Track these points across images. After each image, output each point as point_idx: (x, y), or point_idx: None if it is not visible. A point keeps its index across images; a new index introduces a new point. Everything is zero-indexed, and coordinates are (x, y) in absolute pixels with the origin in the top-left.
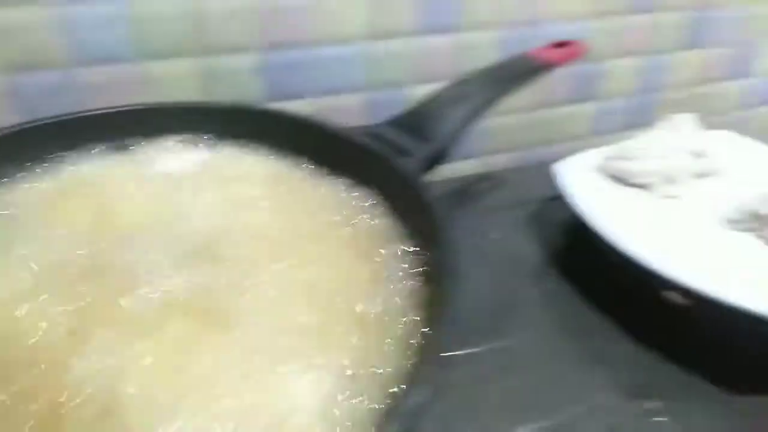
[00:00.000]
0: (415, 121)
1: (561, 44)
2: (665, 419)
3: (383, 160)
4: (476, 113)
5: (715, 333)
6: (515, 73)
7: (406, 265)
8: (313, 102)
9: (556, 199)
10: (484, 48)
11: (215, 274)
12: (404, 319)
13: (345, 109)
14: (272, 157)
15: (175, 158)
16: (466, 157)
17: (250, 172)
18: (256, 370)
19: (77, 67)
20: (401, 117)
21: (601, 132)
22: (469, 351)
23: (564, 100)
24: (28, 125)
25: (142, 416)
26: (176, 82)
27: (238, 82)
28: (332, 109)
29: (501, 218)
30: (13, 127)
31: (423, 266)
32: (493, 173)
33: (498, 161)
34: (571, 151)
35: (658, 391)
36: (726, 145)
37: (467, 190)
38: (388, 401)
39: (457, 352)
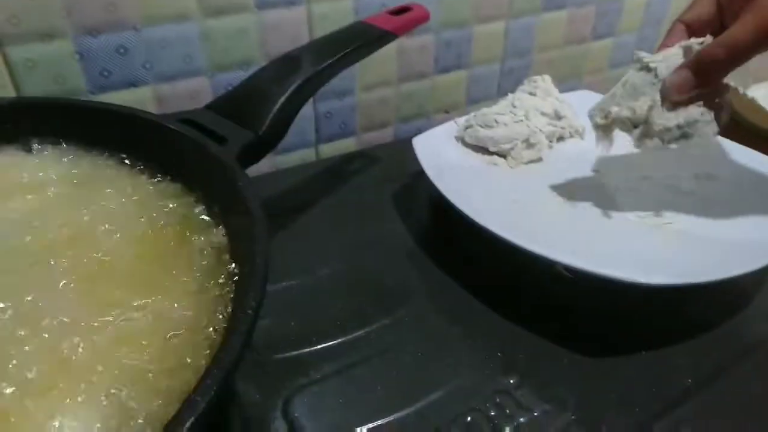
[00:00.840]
0: (235, 104)
1: (400, 10)
2: (524, 392)
3: (196, 149)
4: (307, 90)
5: (581, 303)
6: (350, 43)
7: (222, 271)
8: (151, 90)
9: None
10: (338, 17)
11: None
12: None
13: (190, 95)
14: (72, 155)
15: None
16: (341, 136)
17: (44, 176)
18: None
19: None
20: (220, 100)
21: (476, 100)
22: (330, 343)
23: (434, 70)
24: None
25: None
26: None
27: (54, 72)
28: (176, 96)
29: (371, 196)
30: None
31: (236, 267)
32: (367, 150)
33: (373, 138)
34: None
35: (520, 366)
36: (584, 105)
37: (340, 170)
38: None
39: (315, 347)
